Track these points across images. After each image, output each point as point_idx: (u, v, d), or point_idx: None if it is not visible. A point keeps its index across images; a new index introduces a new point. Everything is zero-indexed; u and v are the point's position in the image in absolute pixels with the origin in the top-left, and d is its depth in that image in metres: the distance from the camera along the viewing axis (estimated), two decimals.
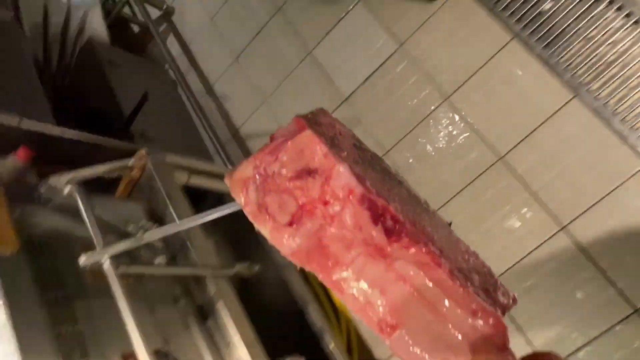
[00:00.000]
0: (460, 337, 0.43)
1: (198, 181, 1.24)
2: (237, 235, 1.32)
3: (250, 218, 0.45)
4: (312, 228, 0.43)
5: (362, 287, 0.44)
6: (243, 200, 0.45)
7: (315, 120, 0.46)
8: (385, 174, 0.50)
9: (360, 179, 0.42)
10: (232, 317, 0.97)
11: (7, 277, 0.80)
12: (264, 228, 0.44)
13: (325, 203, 0.43)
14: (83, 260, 0.89)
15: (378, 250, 0.43)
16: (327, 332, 1.17)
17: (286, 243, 0.43)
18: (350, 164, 0.43)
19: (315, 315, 1.20)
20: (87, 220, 0.94)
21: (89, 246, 0.90)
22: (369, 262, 0.44)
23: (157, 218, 1.12)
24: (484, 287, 0.45)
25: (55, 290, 0.88)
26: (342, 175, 0.42)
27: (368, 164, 0.48)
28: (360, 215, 0.42)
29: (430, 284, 0.43)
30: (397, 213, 0.43)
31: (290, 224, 0.43)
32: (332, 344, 1.15)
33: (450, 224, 0.54)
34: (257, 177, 0.44)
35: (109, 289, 0.87)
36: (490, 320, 0.42)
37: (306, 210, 0.43)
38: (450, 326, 0.43)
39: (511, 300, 0.47)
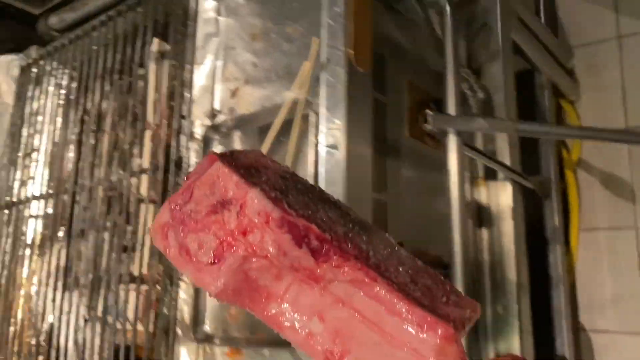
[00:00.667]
0: (409, 354, 0.39)
1: None
2: None
3: (174, 264, 0.43)
4: (235, 263, 0.40)
5: (300, 318, 0.41)
6: (163, 247, 0.43)
7: (232, 155, 0.45)
8: (319, 200, 0.48)
9: (275, 201, 0.41)
10: None
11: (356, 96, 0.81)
12: (186, 271, 0.42)
13: (244, 233, 0.40)
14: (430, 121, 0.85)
15: (309, 274, 0.41)
16: None
17: (211, 283, 0.41)
18: (265, 189, 0.41)
19: None
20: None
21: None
22: (303, 289, 0.41)
23: None
24: (433, 299, 0.42)
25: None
26: (256, 201, 0.40)
27: (295, 191, 0.46)
28: (282, 240, 0.40)
29: (370, 302, 0.40)
30: (323, 232, 0.41)
31: (213, 262, 0.41)
32: None
33: (401, 244, 0.52)
34: (174, 220, 0.42)
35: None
36: (439, 331, 0.39)
37: (226, 244, 0.41)
38: (397, 344, 0.40)
39: (471, 311, 0.44)
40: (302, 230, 0.40)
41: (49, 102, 1.41)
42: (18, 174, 1.40)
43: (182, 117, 1.02)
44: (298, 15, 0.92)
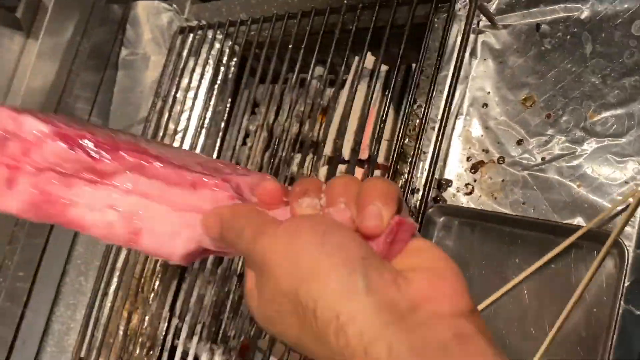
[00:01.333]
0: (190, 211, 0.45)
1: None
2: None
3: None
4: (26, 180, 0.46)
5: (97, 214, 0.46)
6: None
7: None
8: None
9: (47, 121, 0.46)
10: None
11: None
12: None
13: (25, 154, 0.46)
14: None
15: (94, 174, 0.46)
16: None
17: (14, 206, 0.46)
18: (35, 114, 0.46)
19: None
20: None
21: None
22: (93, 189, 0.46)
23: None
24: (214, 171, 0.48)
25: None
26: (27, 122, 0.45)
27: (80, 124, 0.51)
28: (56, 149, 0.45)
29: (152, 182, 0.46)
30: (94, 136, 0.46)
31: (8, 187, 0.46)
32: None
33: None
34: None
35: None
36: (212, 184, 0.45)
37: (13, 168, 0.46)
38: (182, 207, 0.46)
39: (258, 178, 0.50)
40: (75, 136, 0.46)
41: (206, 75, 1.14)
42: None
43: None
44: None
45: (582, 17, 0.70)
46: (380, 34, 0.83)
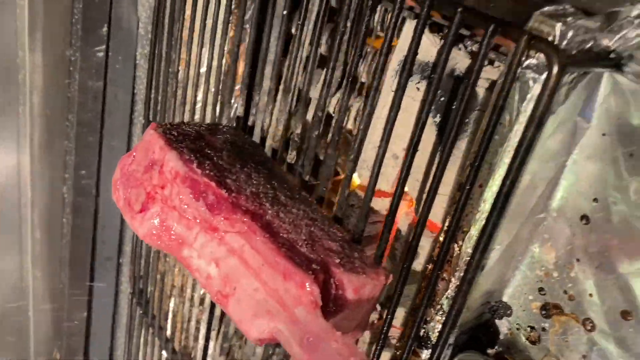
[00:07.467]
0: (275, 300, 0.44)
1: None
2: None
3: (122, 213, 0.52)
4: (155, 212, 0.49)
5: (203, 262, 0.48)
6: (115, 199, 0.53)
7: (172, 125, 0.53)
8: (250, 166, 0.54)
9: (186, 162, 0.48)
10: None
11: None
12: (127, 219, 0.51)
13: (162, 187, 0.49)
14: None
15: (208, 225, 0.47)
16: None
17: (139, 228, 0.50)
18: (182, 152, 0.49)
19: None
20: None
21: None
22: (207, 239, 0.48)
23: None
24: (322, 259, 0.46)
25: None
26: (170, 160, 0.48)
27: (227, 157, 0.52)
28: (183, 193, 0.47)
29: (254, 253, 0.45)
30: (220, 189, 0.47)
31: (141, 211, 0.50)
32: None
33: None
34: (122, 177, 0.52)
35: None
36: (299, 281, 0.43)
37: (150, 197, 0.49)
38: (270, 291, 0.44)
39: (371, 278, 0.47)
40: (202, 186, 0.47)
41: None
42: None
43: None
44: None
45: None
46: None
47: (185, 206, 0.47)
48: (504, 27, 0.37)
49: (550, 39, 0.35)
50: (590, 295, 0.42)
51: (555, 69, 0.34)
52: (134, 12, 1.04)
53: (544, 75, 0.35)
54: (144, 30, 1.05)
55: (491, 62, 0.47)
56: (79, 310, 1.24)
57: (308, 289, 0.42)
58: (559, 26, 0.34)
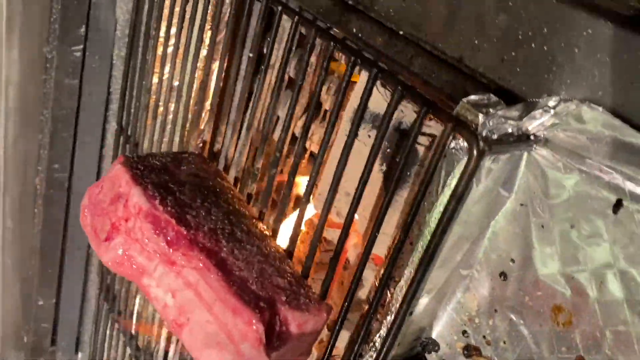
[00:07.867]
0: (224, 333, 0.48)
1: None
2: None
3: (88, 239, 0.56)
4: (119, 242, 0.53)
5: (161, 292, 0.52)
6: (83, 224, 0.56)
7: (140, 157, 0.57)
8: (212, 203, 0.57)
9: (150, 198, 0.52)
10: None
11: None
12: (93, 246, 0.55)
13: (126, 220, 0.52)
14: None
15: (168, 259, 0.51)
16: None
17: (104, 255, 0.54)
18: (147, 187, 0.53)
19: None
20: None
21: None
22: (165, 270, 0.52)
23: None
24: (270, 297, 0.50)
25: None
26: (135, 196, 0.52)
27: (190, 193, 0.56)
28: (145, 228, 0.51)
29: (207, 288, 0.50)
30: (180, 226, 0.51)
31: (106, 239, 0.54)
32: None
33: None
34: (90, 204, 0.56)
35: None
36: (246, 318, 0.47)
37: (115, 227, 0.53)
38: (221, 325, 0.49)
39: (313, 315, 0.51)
40: (163, 222, 0.51)
41: None
42: None
43: None
44: None
45: None
46: None
47: (147, 240, 0.51)
48: (435, 110, 0.41)
49: (473, 127, 0.39)
50: (504, 342, 0.48)
51: (474, 154, 0.39)
52: (112, 15, 1.06)
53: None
54: (121, 33, 1.07)
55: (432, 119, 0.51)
56: (48, 297, 1.27)
57: (254, 327, 0.47)
58: (481, 117, 0.39)
